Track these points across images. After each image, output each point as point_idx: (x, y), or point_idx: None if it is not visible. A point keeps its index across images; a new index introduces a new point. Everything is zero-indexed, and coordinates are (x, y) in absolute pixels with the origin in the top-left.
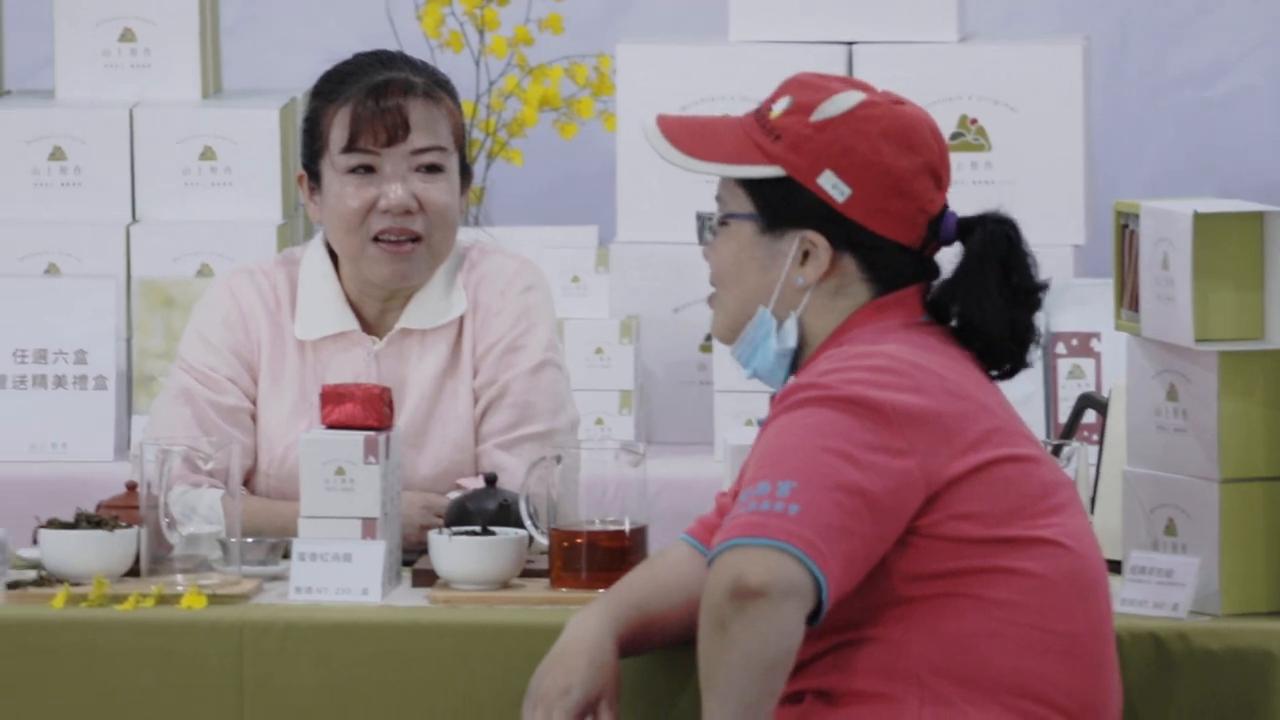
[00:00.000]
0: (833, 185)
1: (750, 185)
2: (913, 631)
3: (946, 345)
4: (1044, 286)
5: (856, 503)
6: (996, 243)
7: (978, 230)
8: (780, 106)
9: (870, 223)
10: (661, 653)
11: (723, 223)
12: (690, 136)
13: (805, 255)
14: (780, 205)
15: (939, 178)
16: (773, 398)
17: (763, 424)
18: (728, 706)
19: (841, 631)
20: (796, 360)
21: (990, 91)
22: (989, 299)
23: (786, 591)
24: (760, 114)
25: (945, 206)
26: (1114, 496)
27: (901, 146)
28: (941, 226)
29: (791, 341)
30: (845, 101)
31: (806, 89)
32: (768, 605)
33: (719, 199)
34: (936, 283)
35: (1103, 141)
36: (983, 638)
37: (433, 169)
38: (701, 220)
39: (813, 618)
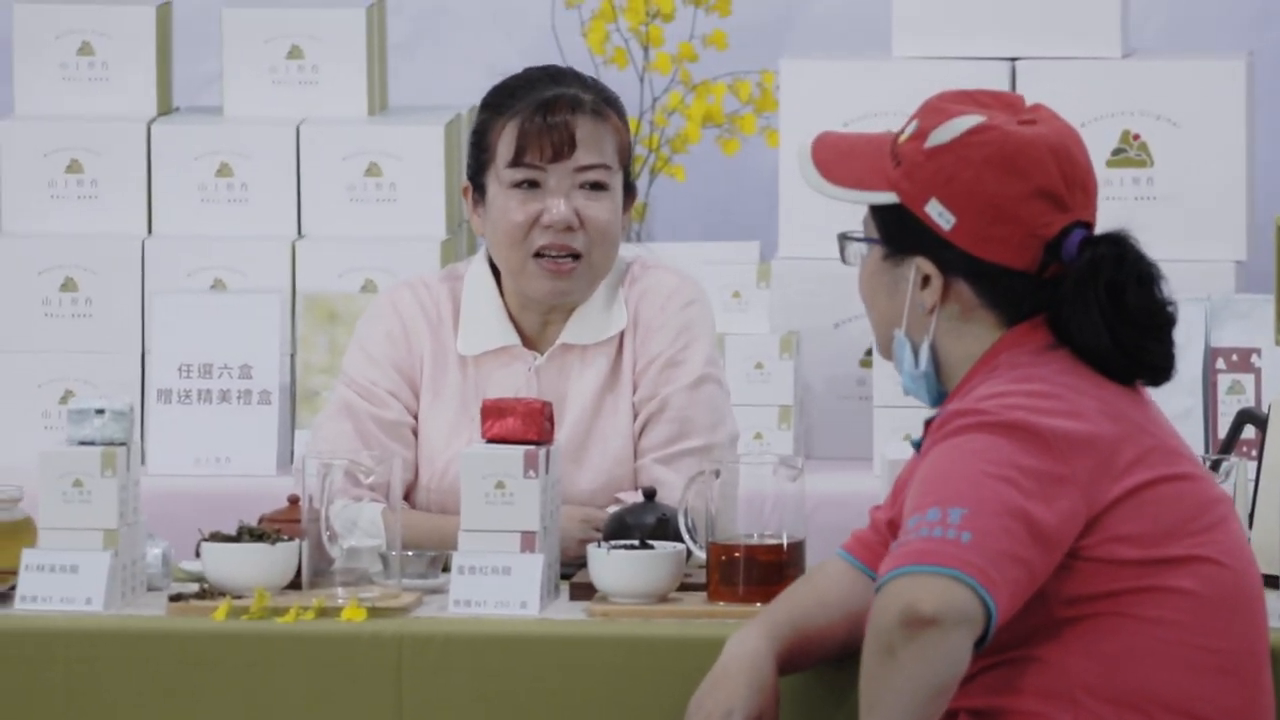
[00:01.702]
0: (939, 213)
1: (876, 210)
2: (1069, 652)
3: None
4: (1161, 305)
5: (1024, 529)
6: (1102, 264)
7: (1086, 252)
8: (908, 131)
9: (976, 249)
10: (819, 670)
11: (859, 244)
12: (833, 158)
13: (925, 281)
14: (898, 231)
15: (1058, 199)
16: (928, 424)
17: (919, 449)
18: None
19: (998, 652)
20: (946, 385)
21: (1153, 107)
22: (1089, 321)
23: (958, 620)
24: (894, 137)
25: (1071, 226)
26: (1273, 512)
27: (1006, 172)
28: (1063, 248)
29: (925, 365)
30: (958, 127)
31: (932, 113)
32: (939, 634)
33: (864, 221)
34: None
35: (1265, 156)
36: (1139, 657)
37: (596, 186)
38: (840, 241)
39: (979, 643)
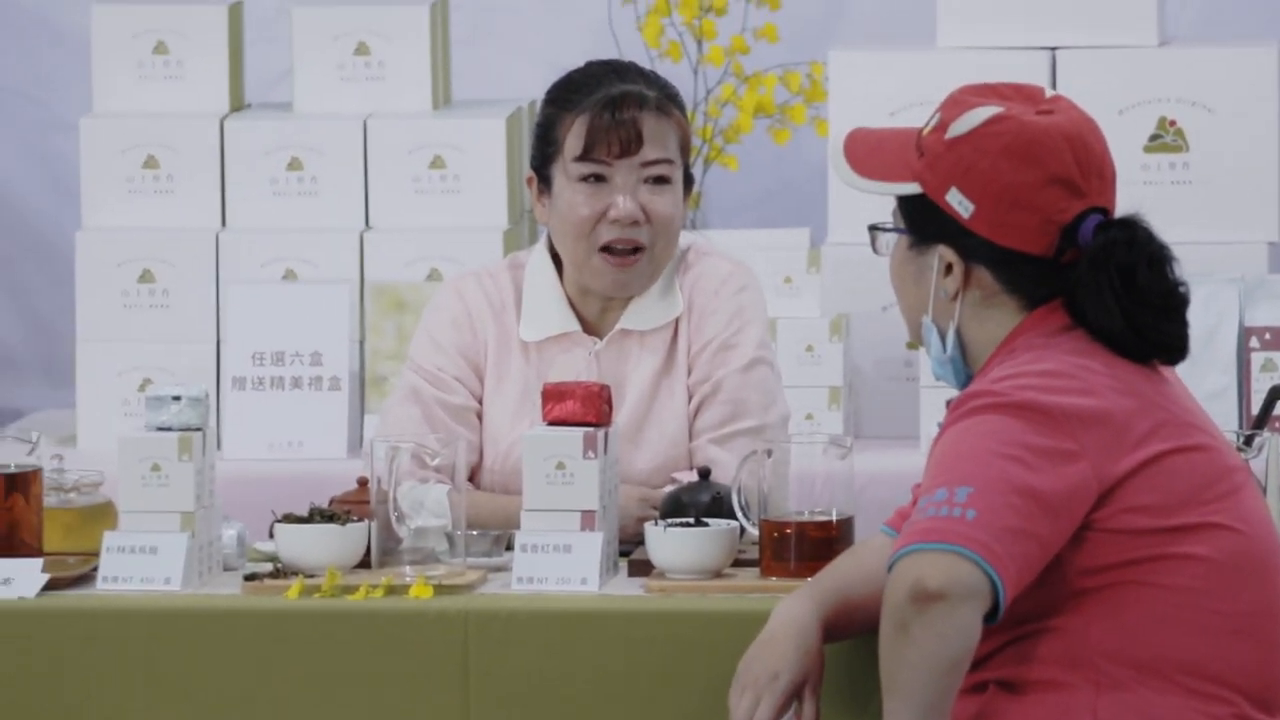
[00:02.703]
0: (958, 202)
1: (901, 201)
2: (1089, 621)
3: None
4: (1173, 286)
5: (1031, 505)
6: (1114, 248)
7: (1099, 236)
8: (931, 123)
9: (995, 236)
10: (863, 639)
11: (886, 234)
12: (864, 152)
13: (948, 268)
14: (922, 221)
15: (1073, 185)
16: (949, 404)
17: (939, 430)
18: (909, 705)
19: (1021, 624)
20: (972, 368)
21: (1189, 94)
22: (1102, 303)
23: (964, 594)
24: (920, 130)
25: (1087, 211)
26: None
27: (1023, 161)
28: (1079, 233)
29: (951, 350)
30: (975, 119)
31: (952, 106)
32: (947, 607)
33: (892, 212)
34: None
35: None
36: (1157, 623)
37: (660, 180)
38: (871, 232)
39: (990, 616)
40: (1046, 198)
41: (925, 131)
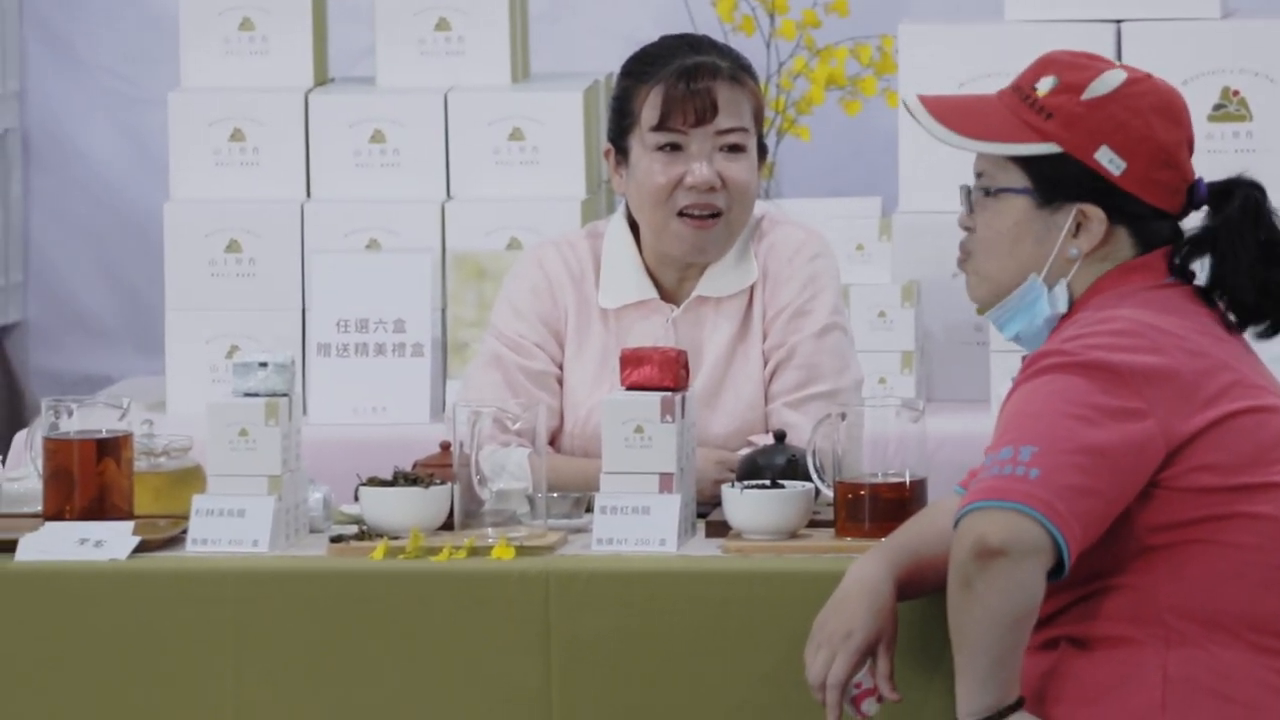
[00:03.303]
0: (1109, 160)
1: (1025, 162)
2: (1157, 578)
3: (1188, 304)
4: None
5: (1097, 463)
6: (1252, 206)
7: (1236, 194)
8: (1046, 85)
9: (1144, 194)
10: (935, 597)
11: (993, 195)
12: (959, 115)
13: (1079, 227)
14: (1056, 180)
15: (1193, 147)
16: (1024, 360)
17: (1010, 389)
18: (977, 660)
19: (1090, 581)
20: None
21: (1251, 64)
22: (1245, 259)
23: (1026, 551)
24: (1023, 93)
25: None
26: None
27: (1169, 120)
28: (1196, 193)
29: (1063, 306)
30: (1114, 79)
31: (1071, 69)
32: (1009, 564)
33: (981, 173)
34: (1185, 244)
35: None
36: (1223, 580)
37: (735, 149)
38: (967, 192)
39: (1056, 573)
40: (1183, 156)
41: (1041, 93)
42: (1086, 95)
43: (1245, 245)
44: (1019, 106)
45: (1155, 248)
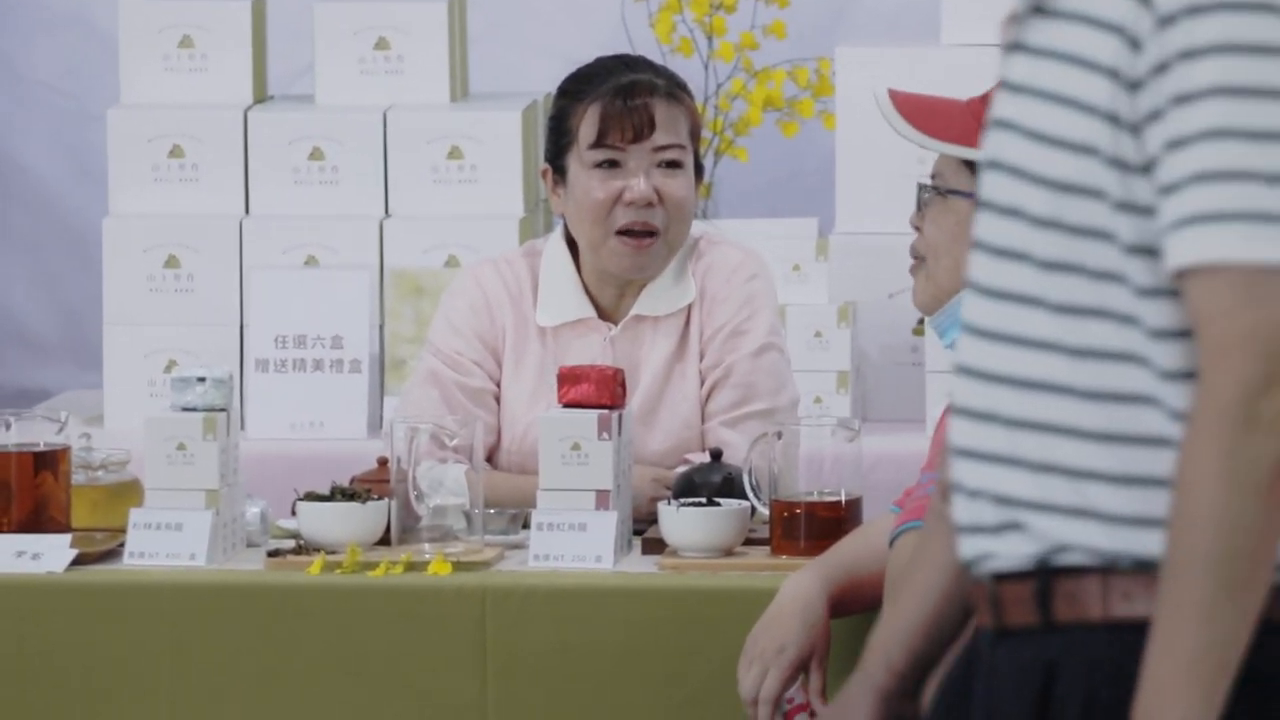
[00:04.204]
0: None
1: (975, 166)
2: None
3: None
4: None
5: None
6: None
7: None
8: None
9: None
10: (868, 614)
11: (943, 196)
12: (923, 114)
13: None
14: None
15: None
16: None
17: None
18: None
19: None
20: None
21: None
22: None
23: None
24: (989, 100)
25: None
26: None
27: None
28: None
29: None
30: None
31: None
32: None
33: (938, 174)
34: None
35: None
36: None
37: (672, 165)
38: (922, 191)
39: None
40: None
41: None
42: None
43: None
44: (982, 112)
45: None
